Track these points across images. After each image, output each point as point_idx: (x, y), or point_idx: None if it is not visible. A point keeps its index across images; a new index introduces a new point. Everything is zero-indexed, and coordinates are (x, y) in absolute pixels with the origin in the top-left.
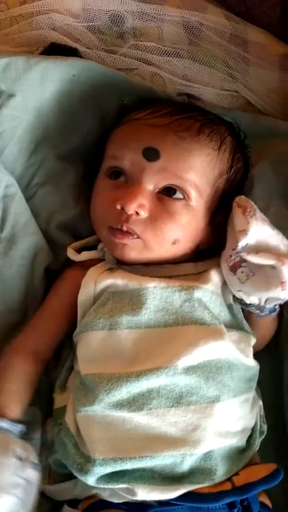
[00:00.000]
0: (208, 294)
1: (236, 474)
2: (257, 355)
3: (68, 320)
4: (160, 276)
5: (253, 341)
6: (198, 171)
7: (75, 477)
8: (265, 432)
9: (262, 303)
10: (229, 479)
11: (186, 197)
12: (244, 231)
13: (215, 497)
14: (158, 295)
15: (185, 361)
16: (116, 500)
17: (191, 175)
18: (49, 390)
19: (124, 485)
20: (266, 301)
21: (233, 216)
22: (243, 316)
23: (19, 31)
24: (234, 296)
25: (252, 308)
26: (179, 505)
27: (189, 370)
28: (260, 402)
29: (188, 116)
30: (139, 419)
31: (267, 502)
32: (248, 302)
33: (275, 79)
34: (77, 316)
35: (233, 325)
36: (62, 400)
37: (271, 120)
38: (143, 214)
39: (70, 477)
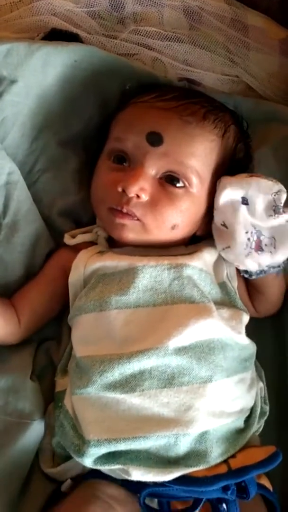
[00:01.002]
0: (197, 272)
1: (233, 456)
2: (260, 337)
3: (54, 299)
4: (150, 255)
5: (246, 318)
6: (200, 157)
7: None
8: (267, 413)
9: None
10: (225, 461)
11: (187, 185)
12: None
13: (210, 481)
14: (148, 274)
15: (175, 341)
16: (113, 476)
17: (193, 161)
18: (52, 375)
19: (119, 466)
20: None
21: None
22: (236, 294)
23: (19, 17)
24: (238, 271)
25: (276, 269)
26: (173, 487)
27: (180, 350)
28: (261, 384)
29: (194, 102)
30: (132, 400)
31: (268, 484)
32: (277, 265)
33: (275, 64)
34: (62, 298)
35: (225, 303)
36: (63, 383)
37: (272, 105)
38: (144, 197)
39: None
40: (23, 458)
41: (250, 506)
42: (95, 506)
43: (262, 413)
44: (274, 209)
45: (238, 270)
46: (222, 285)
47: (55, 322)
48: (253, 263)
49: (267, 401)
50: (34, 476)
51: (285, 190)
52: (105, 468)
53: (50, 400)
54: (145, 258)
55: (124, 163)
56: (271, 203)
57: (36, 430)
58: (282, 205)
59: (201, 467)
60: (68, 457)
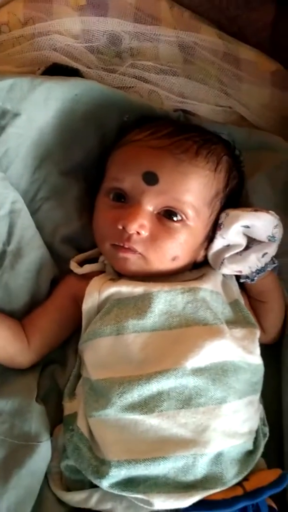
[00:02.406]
0: (209, 294)
1: (246, 479)
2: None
3: (63, 326)
4: (162, 282)
5: (258, 335)
6: (195, 193)
7: (88, 485)
8: (267, 434)
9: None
10: (239, 484)
11: (184, 218)
12: (276, 219)
13: (229, 503)
14: (163, 298)
15: (192, 362)
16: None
17: (188, 197)
18: (56, 398)
19: (139, 495)
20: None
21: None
22: (248, 310)
23: (21, 51)
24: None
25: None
26: None
27: (197, 371)
28: (261, 406)
29: (186, 137)
30: (151, 421)
31: (273, 505)
32: (270, 260)
33: (267, 95)
34: (72, 324)
35: (238, 321)
36: (72, 407)
37: (264, 134)
38: (144, 233)
39: (83, 482)
40: (32, 481)
41: None
42: None
43: (263, 434)
44: (269, 239)
45: (240, 284)
46: (234, 303)
47: (60, 346)
48: (252, 260)
49: (266, 423)
50: (45, 498)
51: (281, 224)
52: (123, 493)
53: (55, 423)
54: (159, 284)
55: (122, 200)
56: (269, 234)
57: (43, 452)
58: (277, 237)
59: (218, 489)
60: (78, 481)
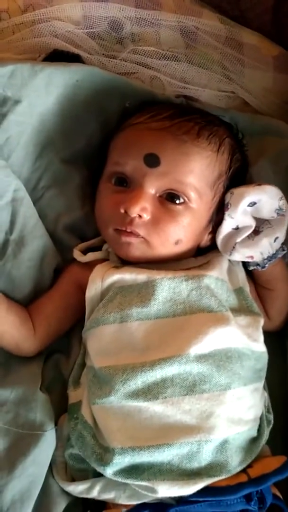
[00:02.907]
0: (213, 281)
1: (250, 466)
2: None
3: (68, 313)
4: (165, 269)
5: (261, 323)
6: (197, 174)
7: (92, 474)
8: (272, 421)
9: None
10: (244, 471)
11: (186, 200)
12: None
13: (234, 489)
14: (166, 286)
15: (196, 349)
16: (135, 501)
17: (190, 179)
18: (61, 387)
19: (143, 483)
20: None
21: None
22: (251, 299)
23: (22, 38)
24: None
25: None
26: (198, 502)
27: (201, 358)
28: (266, 393)
29: (187, 119)
30: (155, 408)
31: (278, 493)
32: (280, 247)
33: (270, 79)
34: (76, 311)
35: (242, 309)
36: (76, 395)
37: (267, 119)
38: (146, 217)
39: (87, 471)
40: (37, 470)
41: None
42: None
43: (267, 422)
44: (278, 212)
45: (248, 272)
46: (239, 291)
47: (64, 335)
48: (264, 245)
49: (271, 410)
50: (49, 487)
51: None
52: (127, 481)
53: (60, 413)
54: (162, 271)
55: (124, 185)
56: (276, 207)
57: (48, 441)
58: (285, 208)
59: (223, 476)
60: (82, 470)
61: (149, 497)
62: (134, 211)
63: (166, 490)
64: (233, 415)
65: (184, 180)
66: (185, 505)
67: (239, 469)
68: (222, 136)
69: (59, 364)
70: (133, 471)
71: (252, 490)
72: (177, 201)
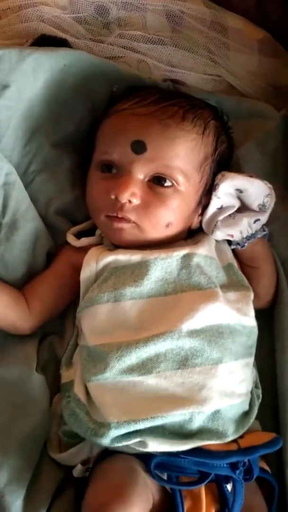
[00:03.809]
0: (202, 259)
1: (241, 437)
2: None
3: (62, 293)
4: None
5: (251, 297)
6: (183, 158)
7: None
8: (260, 396)
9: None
10: (234, 441)
11: (174, 183)
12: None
13: (222, 455)
14: (160, 265)
15: (188, 324)
16: (126, 450)
17: (177, 162)
18: (55, 368)
19: (136, 439)
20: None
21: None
22: (241, 274)
23: (9, 24)
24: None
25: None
26: (184, 458)
27: (193, 333)
28: (254, 369)
29: (172, 103)
30: (149, 382)
31: (266, 467)
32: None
33: (255, 63)
34: (70, 292)
35: (232, 285)
36: (68, 375)
37: (253, 102)
38: (135, 201)
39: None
40: (32, 448)
41: (249, 489)
42: (138, 480)
43: (256, 397)
44: (260, 207)
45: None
46: (228, 267)
47: (60, 316)
48: (244, 225)
49: (259, 385)
50: (44, 465)
51: (273, 194)
52: (122, 444)
53: (54, 393)
54: (156, 251)
55: (112, 171)
56: (260, 202)
57: (43, 420)
58: (268, 206)
59: (213, 441)
60: (75, 444)
61: (139, 450)
62: (124, 197)
63: (157, 446)
64: (226, 388)
65: (171, 164)
66: (170, 457)
67: (231, 438)
68: (207, 119)
69: (53, 345)
70: (127, 434)
71: (239, 459)
72: (165, 184)
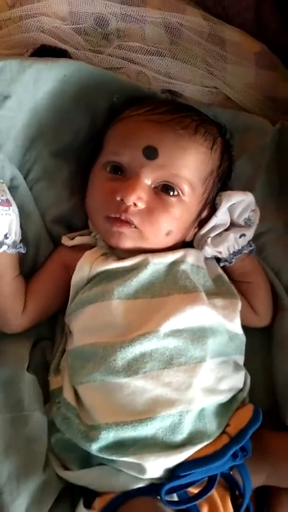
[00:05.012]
0: (189, 266)
1: (227, 425)
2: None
3: (55, 292)
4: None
5: (239, 306)
6: (192, 169)
7: (82, 460)
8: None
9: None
10: (224, 432)
11: (180, 193)
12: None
13: (222, 453)
14: (150, 270)
15: (172, 324)
16: (130, 485)
17: (185, 173)
18: (45, 373)
19: (130, 458)
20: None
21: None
22: (230, 283)
23: (9, 34)
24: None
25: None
26: (189, 474)
27: (176, 332)
28: (248, 377)
29: (185, 115)
30: (136, 383)
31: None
32: (247, 243)
33: (252, 75)
34: (62, 292)
35: (220, 293)
36: (57, 382)
37: (248, 116)
38: (141, 205)
39: (74, 461)
40: (33, 448)
41: None
42: None
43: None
44: (246, 221)
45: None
46: (217, 278)
47: (51, 323)
48: (230, 240)
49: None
50: (48, 467)
51: (258, 210)
52: (114, 457)
53: (45, 398)
54: (149, 257)
55: (119, 173)
56: (246, 217)
57: (38, 419)
58: (253, 221)
59: (205, 443)
60: (69, 461)
61: (141, 482)
62: (131, 200)
63: (153, 462)
64: (207, 385)
65: (180, 173)
66: (177, 480)
67: (218, 432)
68: (216, 135)
69: (45, 351)
70: (118, 447)
71: (236, 448)
72: (171, 193)
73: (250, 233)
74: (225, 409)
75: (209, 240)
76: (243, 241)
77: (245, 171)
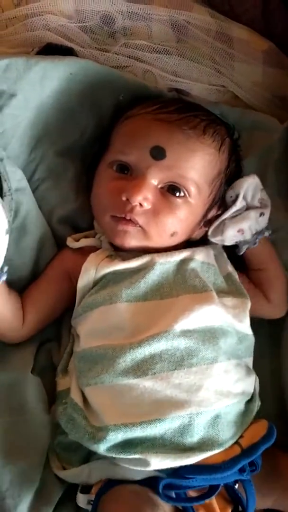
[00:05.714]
0: (199, 264)
1: (241, 436)
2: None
3: (56, 299)
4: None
5: (248, 306)
6: (199, 170)
7: (82, 462)
8: (259, 404)
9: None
10: (236, 442)
11: (186, 194)
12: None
13: (229, 465)
14: (158, 270)
15: (182, 324)
16: (128, 477)
17: (192, 174)
18: (51, 375)
19: (137, 455)
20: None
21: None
22: (240, 283)
23: (15, 32)
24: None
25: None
26: (192, 478)
27: (187, 333)
28: (256, 380)
29: (194, 115)
30: (145, 384)
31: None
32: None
33: (259, 73)
34: (65, 299)
35: (231, 292)
36: (64, 383)
37: (256, 115)
38: (146, 206)
39: (74, 462)
40: (36, 451)
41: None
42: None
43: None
44: (261, 201)
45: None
46: (228, 276)
47: (57, 324)
48: (252, 218)
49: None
50: (49, 472)
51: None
52: (120, 456)
53: (50, 400)
54: (156, 257)
55: (125, 172)
56: (259, 197)
57: (42, 421)
58: (267, 198)
59: (215, 451)
60: (71, 461)
61: (141, 474)
62: (137, 200)
63: (159, 462)
64: (221, 388)
65: (187, 175)
66: (178, 479)
67: (231, 442)
68: (224, 136)
69: (51, 352)
70: (126, 446)
71: (245, 462)
72: (178, 194)
73: (267, 212)
74: (241, 420)
75: (227, 221)
76: (263, 220)
77: (253, 169)
